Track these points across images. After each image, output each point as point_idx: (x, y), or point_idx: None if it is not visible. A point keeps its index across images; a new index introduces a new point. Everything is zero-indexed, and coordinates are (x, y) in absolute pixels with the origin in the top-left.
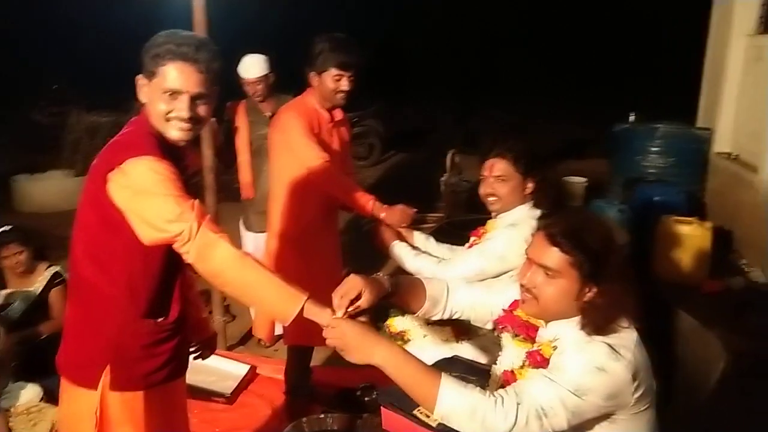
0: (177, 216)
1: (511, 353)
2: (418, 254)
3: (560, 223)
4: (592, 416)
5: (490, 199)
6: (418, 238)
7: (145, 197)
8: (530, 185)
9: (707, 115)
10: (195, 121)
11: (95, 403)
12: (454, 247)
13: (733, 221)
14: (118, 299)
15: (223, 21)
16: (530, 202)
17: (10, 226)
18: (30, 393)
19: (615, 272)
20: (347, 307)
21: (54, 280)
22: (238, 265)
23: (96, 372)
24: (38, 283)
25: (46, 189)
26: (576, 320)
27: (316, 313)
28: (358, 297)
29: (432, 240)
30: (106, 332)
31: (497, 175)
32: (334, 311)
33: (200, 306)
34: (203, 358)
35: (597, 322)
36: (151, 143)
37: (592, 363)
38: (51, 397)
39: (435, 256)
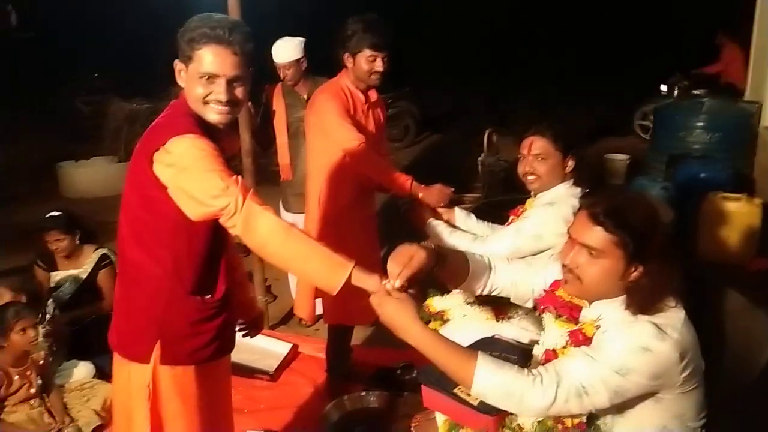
0: (222, 190)
1: (554, 333)
2: (454, 231)
3: (603, 202)
4: (636, 395)
5: (530, 177)
6: (459, 215)
7: (189, 173)
8: (570, 163)
9: (755, 88)
10: (233, 103)
11: (147, 377)
12: (495, 225)
13: None
14: (164, 278)
15: (256, 3)
16: (570, 180)
17: (58, 213)
18: (83, 371)
19: (660, 251)
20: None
21: (101, 263)
22: (284, 236)
23: (146, 348)
24: (86, 265)
25: (90, 175)
26: (621, 300)
27: (364, 279)
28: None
29: (473, 217)
30: (154, 310)
31: (536, 154)
32: (382, 278)
33: (247, 286)
34: (251, 337)
35: (642, 302)
36: (191, 123)
37: (637, 342)
38: (103, 374)
39: (472, 234)
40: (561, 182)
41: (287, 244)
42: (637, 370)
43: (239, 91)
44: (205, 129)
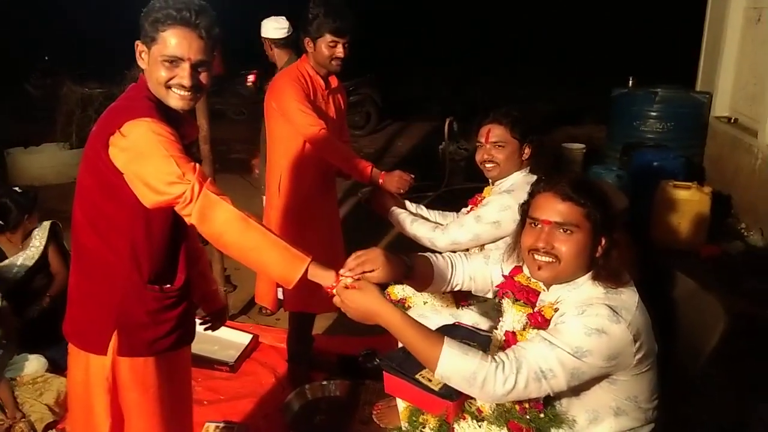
0: (178, 177)
1: (512, 317)
2: (416, 220)
3: (564, 180)
4: (592, 377)
5: (488, 165)
6: (409, 206)
7: (145, 159)
8: (527, 151)
9: (706, 79)
10: (196, 89)
11: (106, 369)
12: (446, 213)
13: (732, 186)
14: (122, 266)
15: None
16: (527, 168)
17: (18, 190)
18: (35, 364)
19: (619, 222)
20: (356, 275)
21: (53, 236)
22: (241, 227)
23: (104, 338)
24: (36, 240)
25: (41, 162)
26: (578, 282)
27: (320, 275)
28: (371, 270)
29: (423, 207)
30: (111, 299)
31: (494, 141)
32: (338, 275)
33: (210, 277)
34: (213, 330)
35: (611, 272)
36: (149, 107)
37: (592, 325)
38: (56, 367)
39: (433, 222)
40: (518, 170)
41: (244, 235)
42: (593, 352)
43: (203, 76)
44: (164, 114)
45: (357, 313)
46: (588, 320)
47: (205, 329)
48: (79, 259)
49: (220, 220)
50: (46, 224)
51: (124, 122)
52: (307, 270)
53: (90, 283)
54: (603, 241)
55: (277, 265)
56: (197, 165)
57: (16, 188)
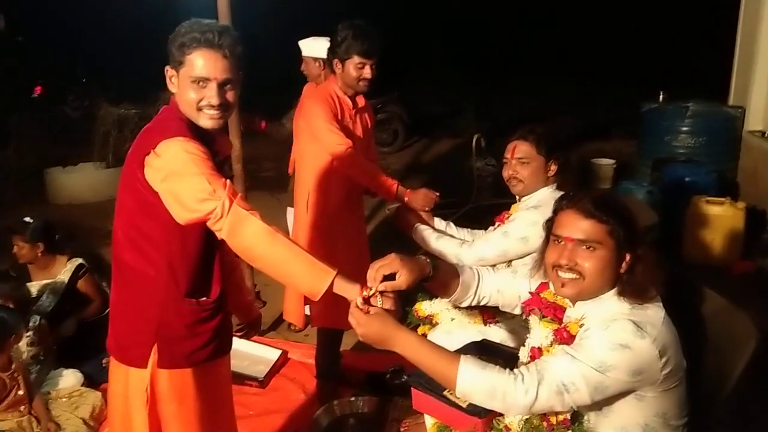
0: (209, 194)
1: (539, 334)
2: (441, 236)
3: (585, 197)
4: (617, 392)
5: (513, 181)
6: (439, 224)
7: (178, 177)
8: (553, 167)
9: (739, 93)
10: (224, 107)
11: (145, 381)
12: (475, 231)
13: (767, 201)
14: (159, 280)
15: (246, 11)
16: (553, 184)
17: (29, 219)
18: (71, 379)
19: (643, 238)
20: (380, 282)
21: (78, 272)
22: (269, 241)
23: (144, 351)
24: (62, 275)
25: (78, 181)
26: (604, 297)
27: (345, 288)
28: (393, 276)
29: (452, 225)
30: (150, 313)
31: (519, 158)
32: (363, 287)
33: (245, 288)
34: (248, 338)
35: (636, 288)
36: (182, 126)
37: (616, 340)
38: (91, 382)
39: (458, 239)
40: (544, 186)
41: (272, 248)
42: (617, 366)
43: (230, 95)
44: (196, 132)
45: (370, 338)
46: (612, 335)
47: (240, 337)
48: (119, 275)
49: (249, 234)
50: (70, 266)
51: (158, 142)
52: (333, 283)
53: (130, 298)
54: (627, 257)
55: (304, 278)
56: (228, 181)
57: (25, 219)
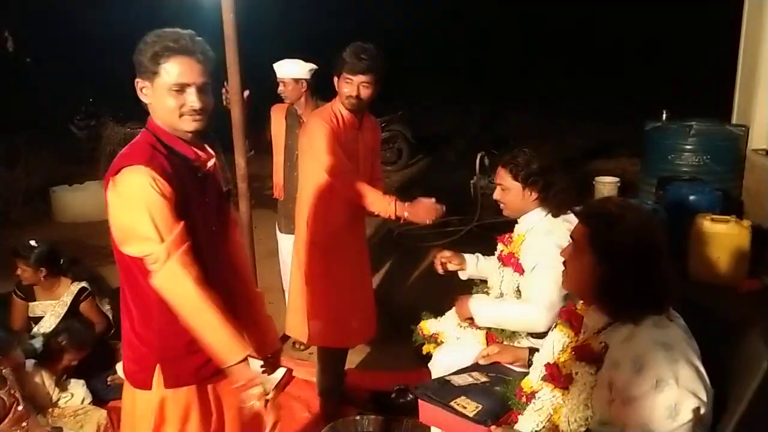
0: (147, 238)
1: (553, 337)
2: (495, 302)
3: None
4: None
5: (500, 204)
6: (470, 261)
7: (127, 209)
8: (532, 194)
9: (742, 111)
10: (205, 111)
11: (151, 402)
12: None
13: None
14: (154, 301)
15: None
16: (543, 207)
17: (34, 243)
18: (80, 391)
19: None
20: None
21: (80, 296)
22: (196, 306)
23: (147, 374)
24: (65, 297)
25: (84, 199)
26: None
27: (245, 371)
28: None
29: (481, 257)
30: (150, 335)
31: (499, 184)
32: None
33: (264, 327)
34: (268, 374)
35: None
36: (146, 151)
37: (660, 376)
38: (97, 397)
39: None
40: (533, 209)
41: (196, 312)
42: (687, 395)
43: (208, 98)
44: (169, 153)
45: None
46: (650, 374)
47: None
48: (122, 297)
49: (176, 294)
50: (74, 289)
51: (120, 168)
52: (241, 362)
53: (131, 321)
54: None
55: (217, 347)
56: (179, 227)
57: (30, 242)
